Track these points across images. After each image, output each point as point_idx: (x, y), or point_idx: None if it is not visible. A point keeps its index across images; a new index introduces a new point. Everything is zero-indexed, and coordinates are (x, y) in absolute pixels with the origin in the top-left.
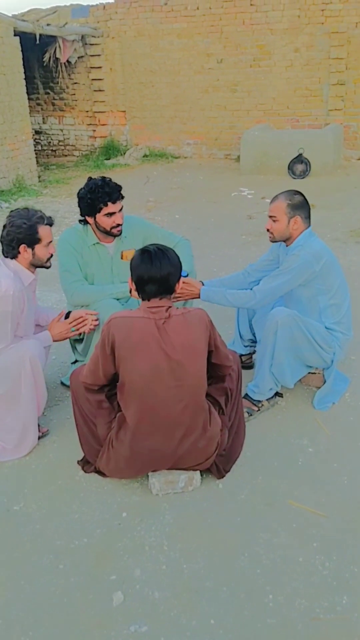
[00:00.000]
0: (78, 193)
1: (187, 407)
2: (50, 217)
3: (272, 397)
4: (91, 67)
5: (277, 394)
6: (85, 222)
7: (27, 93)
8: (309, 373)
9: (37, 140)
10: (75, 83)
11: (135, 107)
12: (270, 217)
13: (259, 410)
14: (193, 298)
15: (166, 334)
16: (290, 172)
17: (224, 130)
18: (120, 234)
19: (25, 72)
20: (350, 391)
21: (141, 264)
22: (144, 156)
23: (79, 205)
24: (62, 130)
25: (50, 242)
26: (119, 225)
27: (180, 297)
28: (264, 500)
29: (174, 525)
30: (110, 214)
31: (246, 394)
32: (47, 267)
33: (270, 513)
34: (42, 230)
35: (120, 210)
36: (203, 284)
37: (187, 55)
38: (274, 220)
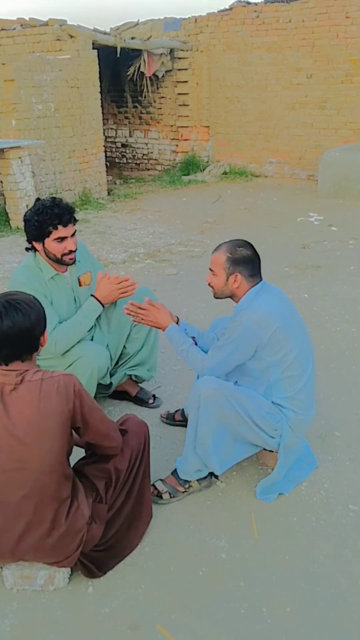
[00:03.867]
0: (24, 215)
1: (29, 497)
2: None
3: (204, 477)
4: (177, 81)
5: (212, 474)
6: (32, 249)
7: (117, 106)
8: (265, 450)
9: (122, 153)
10: (162, 97)
11: (219, 122)
12: (210, 269)
13: (185, 492)
14: (153, 327)
15: (11, 404)
16: None
17: (309, 150)
18: (74, 262)
19: (114, 86)
20: (312, 479)
21: None
22: (223, 173)
23: (25, 230)
24: (146, 144)
25: None
26: (71, 252)
27: (143, 320)
28: (130, 620)
29: (8, 634)
30: (61, 239)
31: (174, 470)
32: None
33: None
34: None
35: (73, 235)
36: (178, 321)
37: (276, 70)
38: (212, 274)
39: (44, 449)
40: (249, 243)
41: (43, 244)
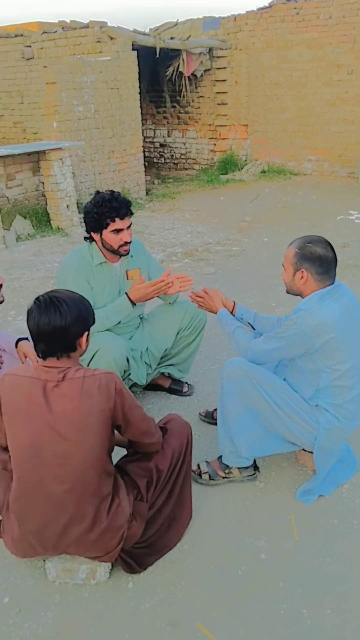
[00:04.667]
0: (84, 207)
1: (71, 491)
2: None
3: (246, 467)
4: (216, 80)
5: (255, 467)
6: (91, 239)
7: (155, 107)
8: (305, 451)
9: (160, 153)
10: (201, 96)
11: (258, 121)
12: (282, 264)
13: (225, 477)
14: (209, 311)
15: (54, 401)
16: None
17: (350, 147)
18: (128, 253)
19: (153, 86)
20: (353, 481)
21: (30, 316)
22: (261, 172)
23: (85, 221)
24: (184, 143)
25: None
26: (126, 243)
27: (201, 306)
28: (170, 616)
29: (51, 626)
30: (118, 231)
31: (220, 456)
32: (1, 302)
33: (169, 636)
34: None
35: (129, 227)
36: (234, 305)
37: (316, 67)
38: (284, 269)
39: (86, 446)
40: (325, 241)
41: (101, 235)
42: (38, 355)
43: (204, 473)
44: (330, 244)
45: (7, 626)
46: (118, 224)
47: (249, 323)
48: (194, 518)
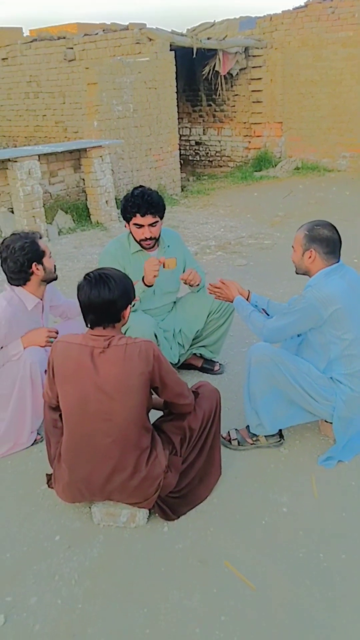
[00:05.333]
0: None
1: (115, 443)
2: (37, 233)
3: (272, 435)
4: (251, 79)
5: (281, 435)
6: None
7: (192, 105)
8: (327, 422)
9: (196, 151)
10: (236, 95)
11: (293, 118)
12: (292, 246)
13: (253, 444)
14: (226, 301)
15: (101, 365)
16: None
17: None
18: (149, 247)
19: (189, 85)
20: None
21: (81, 290)
22: (295, 169)
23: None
24: (219, 141)
25: (50, 252)
26: (146, 239)
27: (217, 297)
28: (200, 555)
29: (96, 560)
30: (139, 226)
31: (248, 425)
32: (55, 279)
33: (198, 571)
34: (42, 243)
35: (152, 225)
36: (249, 294)
37: (351, 65)
38: (293, 250)
39: (128, 404)
40: (331, 224)
41: (129, 225)
42: (87, 325)
43: (234, 440)
44: (335, 228)
45: (58, 559)
46: (138, 219)
47: (263, 309)
48: (222, 477)
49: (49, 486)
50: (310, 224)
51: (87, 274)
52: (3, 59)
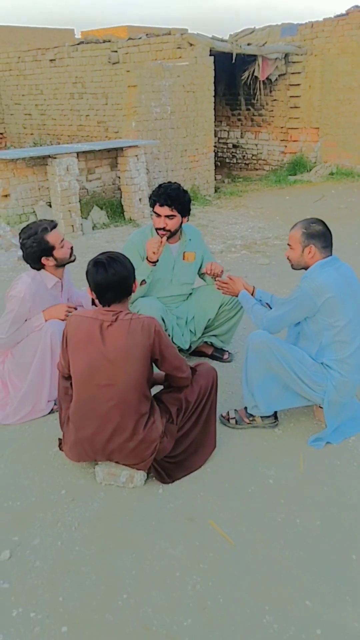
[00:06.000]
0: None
1: (117, 406)
2: (52, 221)
3: (268, 416)
4: (290, 85)
5: (275, 417)
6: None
7: (231, 109)
8: (318, 407)
9: (233, 154)
10: (275, 100)
11: (329, 124)
12: (288, 244)
13: (249, 424)
14: (232, 295)
15: (107, 336)
16: None
17: None
18: (164, 237)
19: (229, 89)
20: None
21: (97, 273)
22: (329, 174)
23: None
24: (256, 145)
25: (62, 240)
26: (160, 229)
27: (224, 291)
28: (188, 514)
29: (95, 512)
30: (157, 215)
31: (246, 407)
32: (73, 261)
33: (185, 527)
34: (51, 237)
35: (169, 217)
36: (254, 289)
37: None
38: (290, 248)
39: (129, 370)
40: (321, 220)
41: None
42: (103, 304)
43: (232, 419)
44: (325, 223)
45: (62, 509)
46: (158, 209)
47: (266, 303)
48: (218, 450)
49: (60, 449)
50: (305, 222)
51: (96, 261)
52: (51, 60)
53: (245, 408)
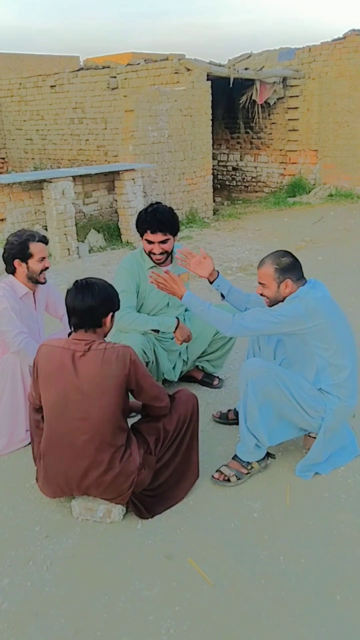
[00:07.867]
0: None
1: (91, 441)
2: (44, 236)
3: (263, 458)
4: (288, 108)
5: (269, 454)
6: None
7: (230, 132)
8: (308, 436)
9: (232, 176)
10: (273, 123)
11: (328, 146)
12: (260, 283)
13: (248, 473)
14: (173, 295)
15: (80, 367)
16: None
17: None
18: (160, 263)
19: (228, 113)
20: (350, 465)
21: (68, 294)
22: (329, 195)
23: None
24: (256, 167)
25: (44, 257)
26: (155, 254)
27: (163, 288)
28: (167, 551)
29: (71, 549)
30: (149, 242)
31: (235, 455)
32: (42, 283)
33: (162, 566)
34: (34, 246)
35: (163, 242)
36: (218, 274)
37: None
38: (263, 287)
39: (104, 403)
40: (288, 252)
41: (142, 239)
42: (70, 328)
43: (231, 476)
44: (291, 252)
45: (35, 546)
46: (149, 236)
47: (221, 293)
48: (201, 480)
49: (37, 481)
50: (273, 257)
51: (76, 281)
52: (52, 86)
53: (235, 457)
